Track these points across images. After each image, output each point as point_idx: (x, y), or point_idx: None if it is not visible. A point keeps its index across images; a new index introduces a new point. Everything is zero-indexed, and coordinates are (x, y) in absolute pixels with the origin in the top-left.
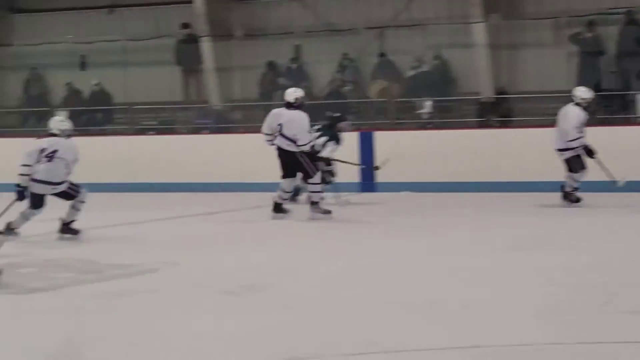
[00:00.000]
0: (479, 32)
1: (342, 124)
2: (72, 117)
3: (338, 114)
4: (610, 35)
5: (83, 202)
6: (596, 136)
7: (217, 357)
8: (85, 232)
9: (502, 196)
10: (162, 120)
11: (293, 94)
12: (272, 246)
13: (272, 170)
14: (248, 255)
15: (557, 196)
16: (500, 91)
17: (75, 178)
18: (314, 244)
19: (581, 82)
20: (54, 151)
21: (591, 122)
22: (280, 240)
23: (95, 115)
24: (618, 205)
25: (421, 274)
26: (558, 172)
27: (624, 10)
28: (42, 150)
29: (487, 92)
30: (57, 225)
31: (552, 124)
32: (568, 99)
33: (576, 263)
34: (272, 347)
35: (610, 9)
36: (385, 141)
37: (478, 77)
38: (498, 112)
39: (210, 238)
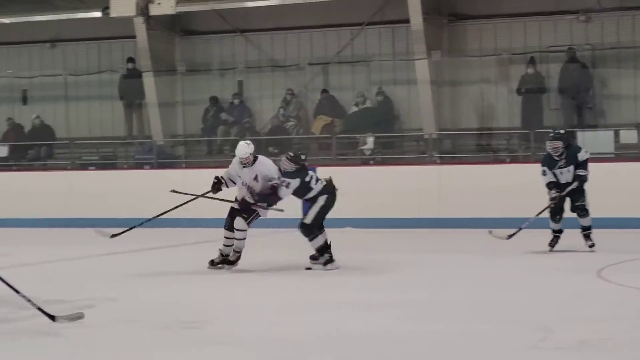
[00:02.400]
0: (422, 68)
1: None
2: (13, 151)
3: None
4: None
5: None
6: None
7: None
8: (23, 268)
9: (439, 232)
10: (104, 155)
11: None
12: (203, 281)
13: (211, 207)
14: (185, 290)
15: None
16: (442, 128)
17: (19, 213)
18: (248, 281)
19: (525, 120)
20: None
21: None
22: (214, 276)
23: (38, 150)
24: None
25: (350, 310)
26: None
27: (565, 47)
28: None
29: (429, 129)
30: None
31: (495, 160)
32: (509, 135)
33: None
34: None
35: (550, 47)
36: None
37: (421, 113)
38: (440, 148)
39: (149, 274)
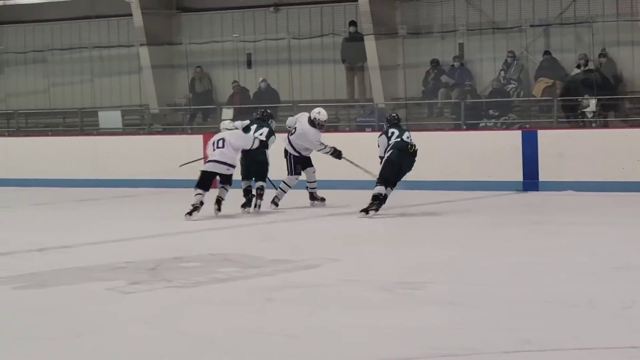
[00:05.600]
0: None
1: None
2: (238, 114)
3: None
4: None
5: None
6: None
7: (372, 350)
8: (248, 228)
9: None
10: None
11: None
12: (426, 244)
13: (427, 168)
14: (405, 252)
15: None
16: None
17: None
18: (470, 242)
19: None
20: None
21: None
22: (433, 239)
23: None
24: None
25: (581, 273)
26: None
27: None
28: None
29: None
30: (216, 222)
31: None
32: None
33: None
34: (430, 341)
35: None
36: (548, 140)
37: None
38: None
39: (368, 235)
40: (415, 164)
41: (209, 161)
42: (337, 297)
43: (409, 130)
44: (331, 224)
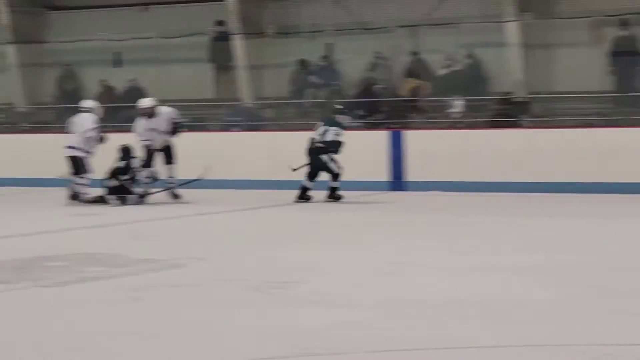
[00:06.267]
0: (512, 31)
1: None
2: (106, 113)
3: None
4: None
5: None
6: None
7: (231, 349)
8: (115, 227)
9: (529, 197)
10: (194, 118)
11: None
12: (294, 244)
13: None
14: (272, 252)
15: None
16: (532, 91)
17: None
18: (335, 242)
19: (614, 82)
20: None
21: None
22: (301, 238)
23: (130, 112)
24: None
25: (441, 274)
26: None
27: None
28: None
29: (519, 92)
30: (82, 220)
31: (585, 124)
32: (601, 99)
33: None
34: (293, 340)
35: None
36: (415, 140)
37: (510, 76)
38: (530, 112)
39: (237, 234)
40: (329, 158)
41: None
42: (205, 297)
43: (340, 125)
44: (200, 223)
